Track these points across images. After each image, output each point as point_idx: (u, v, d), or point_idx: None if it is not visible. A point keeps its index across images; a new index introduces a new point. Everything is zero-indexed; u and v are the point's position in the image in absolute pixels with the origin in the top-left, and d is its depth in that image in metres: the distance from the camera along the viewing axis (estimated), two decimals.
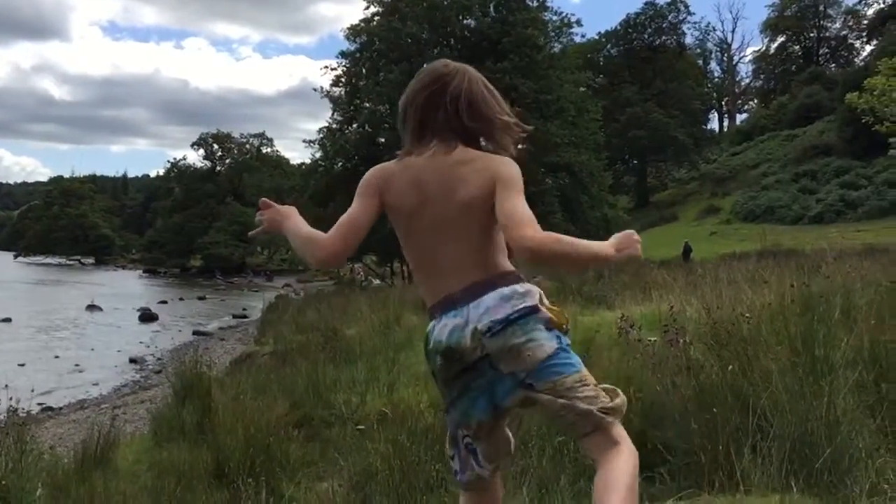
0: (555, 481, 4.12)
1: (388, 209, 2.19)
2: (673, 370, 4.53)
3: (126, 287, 53.05)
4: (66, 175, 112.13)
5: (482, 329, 2.01)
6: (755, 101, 78.79)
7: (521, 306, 2.03)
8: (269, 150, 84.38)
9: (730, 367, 4.25)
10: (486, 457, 2.16)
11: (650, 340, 5.28)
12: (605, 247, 2.06)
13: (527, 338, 2.02)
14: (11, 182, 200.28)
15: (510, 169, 2.13)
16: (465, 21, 38.32)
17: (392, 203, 2.17)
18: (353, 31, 38.51)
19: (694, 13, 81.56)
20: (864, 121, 22.00)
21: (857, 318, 5.04)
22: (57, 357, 21.89)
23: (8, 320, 29.47)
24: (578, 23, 44.28)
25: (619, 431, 2.05)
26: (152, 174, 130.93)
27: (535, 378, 2.03)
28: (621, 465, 1.97)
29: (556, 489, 4.01)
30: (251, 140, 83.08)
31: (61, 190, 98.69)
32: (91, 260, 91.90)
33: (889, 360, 4.41)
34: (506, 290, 2.06)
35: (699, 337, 5.03)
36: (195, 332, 27.91)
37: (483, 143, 2.22)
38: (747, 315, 4.80)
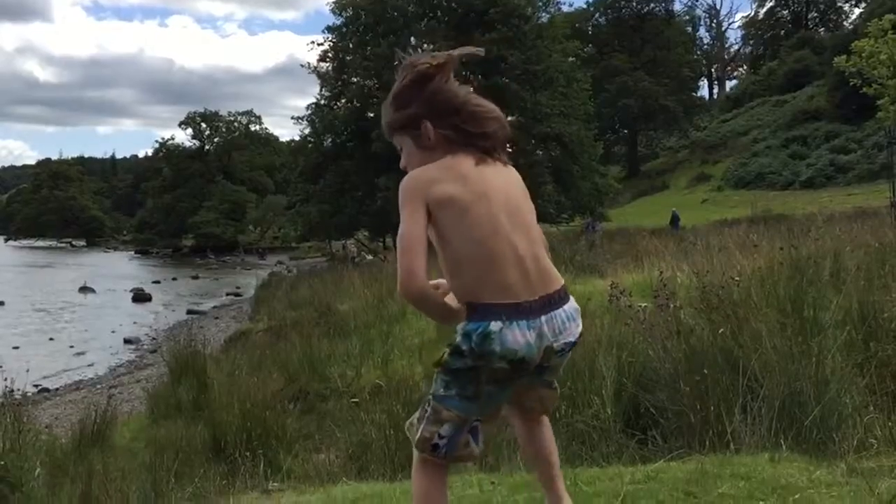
0: None
1: (439, 204, 2.02)
2: (664, 334, 4.56)
3: (118, 268, 52.88)
4: (54, 157, 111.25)
5: (557, 349, 2.06)
6: (744, 67, 78.47)
7: (579, 330, 2.13)
8: (257, 127, 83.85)
9: (720, 330, 4.29)
10: (483, 435, 2.19)
11: (641, 306, 5.32)
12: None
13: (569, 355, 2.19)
14: None
15: None
16: None
17: (442, 196, 2.01)
18: (339, 6, 38.07)
19: None
20: (852, 84, 21.97)
21: (846, 280, 5.09)
22: (52, 339, 21.88)
23: (1, 304, 29.41)
24: None
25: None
26: (140, 154, 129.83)
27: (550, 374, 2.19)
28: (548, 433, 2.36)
29: None
30: (239, 118, 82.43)
31: (49, 172, 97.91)
32: (82, 242, 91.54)
33: (877, 320, 4.45)
34: (571, 305, 2.13)
35: (690, 301, 5.07)
36: (189, 311, 27.90)
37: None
38: (737, 279, 4.84)
